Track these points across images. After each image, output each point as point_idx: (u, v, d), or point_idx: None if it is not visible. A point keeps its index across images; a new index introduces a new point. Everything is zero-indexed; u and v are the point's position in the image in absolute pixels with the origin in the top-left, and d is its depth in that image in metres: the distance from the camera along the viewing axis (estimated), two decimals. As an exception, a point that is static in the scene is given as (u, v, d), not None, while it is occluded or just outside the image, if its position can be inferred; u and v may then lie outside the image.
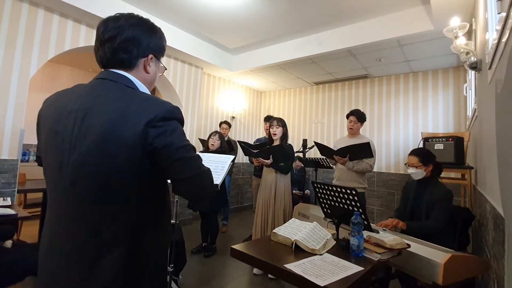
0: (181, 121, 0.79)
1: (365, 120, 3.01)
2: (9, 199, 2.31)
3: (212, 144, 3.13)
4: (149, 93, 0.85)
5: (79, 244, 0.71)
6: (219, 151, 3.10)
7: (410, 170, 2.10)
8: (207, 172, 0.84)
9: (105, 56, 0.80)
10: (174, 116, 0.76)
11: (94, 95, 0.75)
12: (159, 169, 0.75)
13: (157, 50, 0.87)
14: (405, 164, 2.16)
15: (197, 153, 0.85)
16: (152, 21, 0.89)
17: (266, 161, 2.70)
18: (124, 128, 0.70)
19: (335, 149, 2.76)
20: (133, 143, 0.70)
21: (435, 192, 1.99)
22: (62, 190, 0.74)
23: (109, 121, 0.70)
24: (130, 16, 0.82)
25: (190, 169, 0.78)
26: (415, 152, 2.14)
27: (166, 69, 0.98)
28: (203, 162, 0.83)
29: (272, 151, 2.70)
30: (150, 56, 0.85)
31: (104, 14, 2.95)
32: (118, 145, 0.69)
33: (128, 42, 0.79)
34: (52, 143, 0.76)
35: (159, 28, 0.90)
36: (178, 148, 0.75)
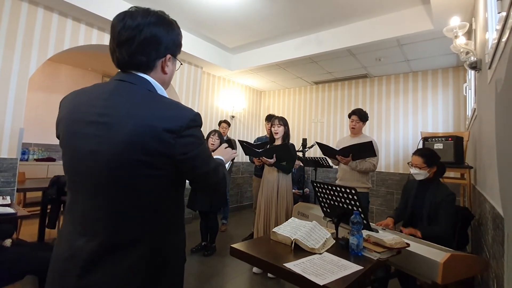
0: (201, 126, 0.81)
1: (367, 119, 2.96)
2: (8, 198, 2.31)
3: (212, 144, 3.14)
4: (166, 93, 0.85)
5: (108, 242, 0.71)
6: None
7: (413, 171, 2.05)
8: (220, 168, 0.88)
9: (123, 59, 0.77)
10: (198, 124, 0.77)
11: (116, 101, 0.73)
12: (183, 173, 0.78)
13: (174, 48, 0.84)
14: (408, 163, 2.12)
15: None
16: (169, 15, 0.86)
17: (269, 160, 2.69)
18: (150, 136, 0.69)
19: (338, 149, 2.73)
20: (160, 152, 0.71)
21: (438, 194, 1.96)
22: (83, 193, 0.74)
23: (134, 129, 0.69)
24: (148, 12, 0.78)
25: (208, 166, 0.81)
26: (420, 153, 2.07)
27: (181, 64, 0.96)
28: None
29: (277, 150, 2.70)
30: (168, 56, 0.82)
31: (104, 13, 2.94)
32: (144, 153, 0.69)
33: (147, 43, 0.76)
34: (73, 148, 0.75)
35: (176, 23, 0.85)
36: (204, 158, 0.79)
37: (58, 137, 0.80)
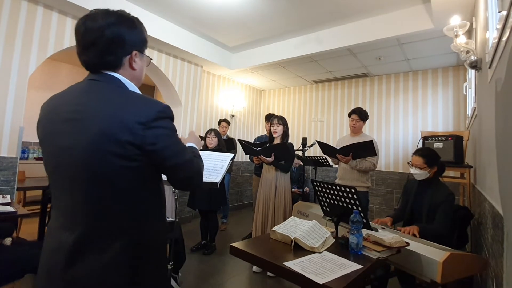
0: (172, 119, 0.83)
1: (367, 119, 2.96)
2: (8, 196, 2.31)
3: (210, 143, 3.15)
4: (138, 89, 0.87)
5: (87, 235, 0.74)
6: (217, 148, 3.11)
7: (413, 171, 2.04)
8: (195, 160, 0.89)
9: (91, 61, 0.80)
10: (167, 116, 0.80)
11: (88, 98, 0.77)
12: (156, 164, 0.79)
13: (139, 44, 0.86)
14: (408, 163, 2.11)
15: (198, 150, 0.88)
16: (130, 13, 0.87)
17: (267, 159, 2.70)
18: (120, 128, 0.72)
19: (338, 148, 2.74)
20: (131, 143, 0.72)
21: (438, 194, 1.96)
22: (63, 188, 0.77)
23: (104, 123, 0.72)
24: (108, 13, 0.81)
25: (180, 157, 0.82)
26: (420, 153, 2.06)
27: (151, 59, 0.98)
28: (204, 161, 0.90)
29: (275, 149, 2.70)
30: (134, 52, 0.84)
31: (104, 12, 2.94)
32: (116, 145, 0.72)
33: (111, 43, 0.79)
34: (50, 146, 0.79)
35: (137, 19, 0.87)
36: (175, 150, 0.80)
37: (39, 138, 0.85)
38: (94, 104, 0.75)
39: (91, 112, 0.74)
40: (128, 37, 0.82)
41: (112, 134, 0.71)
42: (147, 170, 0.78)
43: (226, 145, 3.85)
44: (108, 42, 0.78)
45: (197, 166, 0.88)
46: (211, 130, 3.24)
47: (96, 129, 0.71)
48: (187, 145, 0.99)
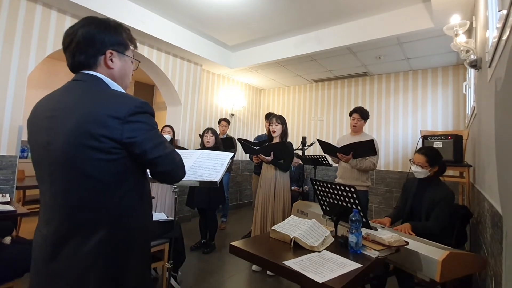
0: (152, 114, 0.85)
1: (368, 118, 2.96)
2: (7, 195, 2.31)
3: (207, 141, 3.15)
4: (122, 88, 0.89)
5: (64, 228, 0.76)
6: (215, 147, 3.11)
7: (415, 169, 2.05)
8: (176, 153, 0.91)
9: (68, 62, 0.86)
10: (145, 111, 0.82)
11: (67, 97, 0.81)
12: (137, 158, 0.81)
13: (116, 45, 0.88)
14: (410, 160, 2.11)
15: (196, 150, 0.89)
16: (109, 19, 0.91)
17: (267, 157, 2.70)
18: (95, 123, 0.74)
19: (338, 147, 2.74)
20: (106, 136, 0.74)
21: (438, 193, 1.96)
22: (45, 183, 0.80)
23: (80, 117, 0.75)
24: (83, 19, 0.87)
25: (160, 150, 0.84)
26: (423, 151, 2.05)
27: (139, 62, 1.01)
28: (203, 160, 0.89)
29: (274, 148, 2.70)
30: (109, 51, 0.86)
31: (102, 10, 2.93)
32: (91, 138, 0.74)
33: (81, 43, 0.83)
34: (33, 143, 0.83)
35: (116, 24, 0.90)
36: (155, 143, 0.82)
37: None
38: (72, 102, 0.79)
39: (68, 109, 0.77)
40: (99, 37, 0.85)
41: (86, 128, 0.74)
42: (128, 164, 0.80)
43: (226, 144, 3.85)
44: (78, 41, 0.83)
45: (179, 158, 0.90)
46: (208, 129, 3.25)
47: (72, 125, 0.74)
48: None
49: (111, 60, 0.87)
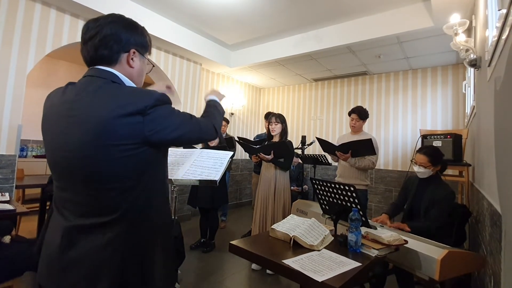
0: (171, 104, 0.86)
1: (367, 117, 2.96)
2: (7, 194, 2.30)
3: (210, 142, 3.14)
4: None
5: (84, 221, 0.77)
6: (219, 146, 3.11)
7: (417, 169, 2.04)
8: (201, 120, 0.96)
9: (88, 54, 0.84)
10: (164, 102, 0.83)
11: (84, 94, 0.79)
12: (163, 144, 0.85)
13: (139, 45, 0.89)
14: (411, 160, 2.11)
15: (195, 149, 0.90)
16: (134, 19, 0.91)
17: (267, 156, 2.70)
18: (116, 123, 0.74)
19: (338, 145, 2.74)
20: (129, 134, 0.75)
21: (438, 191, 1.96)
22: (64, 179, 0.81)
23: (98, 117, 0.74)
24: (109, 15, 0.86)
25: (185, 127, 0.88)
26: (425, 151, 2.05)
27: (153, 66, 1.02)
28: (202, 159, 0.90)
29: (274, 147, 2.70)
30: (133, 50, 0.87)
31: (102, 9, 2.92)
32: (112, 138, 0.74)
33: (108, 38, 0.82)
34: (50, 142, 0.82)
35: (141, 26, 0.92)
36: (175, 120, 0.84)
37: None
38: (89, 101, 0.77)
39: (86, 109, 0.76)
40: (125, 35, 0.85)
41: (107, 128, 0.73)
42: (149, 159, 0.81)
43: (226, 143, 3.84)
44: (105, 36, 0.82)
45: (204, 124, 0.94)
46: None
47: (91, 126, 0.74)
48: (208, 97, 1.13)
49: (132, 59, 0.87)
